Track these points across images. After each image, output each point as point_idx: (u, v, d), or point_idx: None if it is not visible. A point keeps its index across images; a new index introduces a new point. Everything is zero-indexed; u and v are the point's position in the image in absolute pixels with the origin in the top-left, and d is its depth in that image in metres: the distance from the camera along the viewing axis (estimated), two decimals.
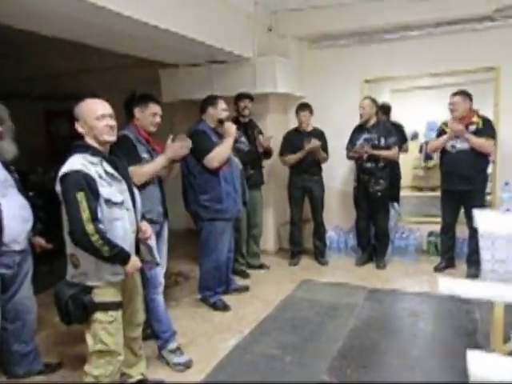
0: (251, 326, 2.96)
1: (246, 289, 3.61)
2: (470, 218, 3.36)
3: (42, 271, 3.99)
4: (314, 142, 3.90)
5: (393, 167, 4.07)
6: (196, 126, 3.17)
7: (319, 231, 4.25)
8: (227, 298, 3.38)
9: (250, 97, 3.81)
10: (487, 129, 3.51)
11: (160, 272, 2.56)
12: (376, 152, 3.82)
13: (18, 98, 5.37)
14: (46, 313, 3.23)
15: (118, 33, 2.96)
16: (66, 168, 1.78)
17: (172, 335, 2.55)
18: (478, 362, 2.11)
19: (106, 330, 1.87)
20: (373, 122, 3.91)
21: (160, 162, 2.51)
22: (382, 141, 3.86)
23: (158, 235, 2.63)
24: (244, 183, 3.42)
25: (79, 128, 1.89)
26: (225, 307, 3.25)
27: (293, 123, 4.32)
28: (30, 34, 2.88)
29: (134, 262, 1.92)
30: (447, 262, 3.86)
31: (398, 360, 2.48)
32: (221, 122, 3.17)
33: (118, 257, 1.83)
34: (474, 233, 3.35)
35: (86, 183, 1.76)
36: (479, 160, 3.52)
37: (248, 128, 3.85)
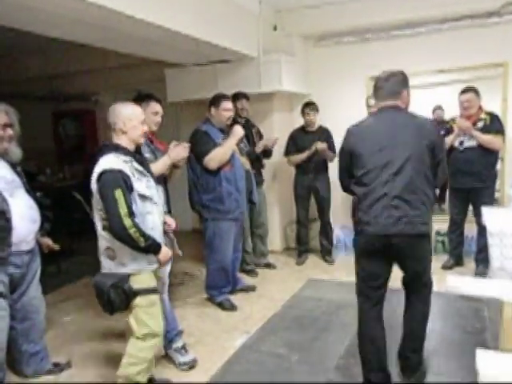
0: (258, 325, 2.96)
1: (252, 288, 3.61)
2: (479, 216, 3.33)
3: (50, 272, 4.07)
4: (321, 145, 3.89)
5: None
6: (200, 125, 3.18)
7: (326, 230, 4.24)
8: (234, 298, 3.38)
9: (246, 96, 3.76)
10: (495, 125, 3.46)
11: (165, 271, 2.57)
12: None
13: (24, 98, 5.43)
14: (55, 312, 3.27)
15: (124, 34, 2.98)
16: (102, 167, 1.88)
17: (177, 334, 2.56)
18: (486, 361, 2.09)
19: (148, 314, 1.99)
20: None
21: (165, 161, 2.52)
22: None
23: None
24: (252, 183, 3.41)
25: (120, 127, 1.98)
26: (231, 306, 3.26)
27: (298, 122, 4.30)
28: (35, 35, 2.90)
29: (166, 252, 2.04)
30: (455, 260, 3.83)
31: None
32: (234, 122, 3.19)
33: (152, 247, 1.95)
34: (482, 230, 3.32)
35: (123, 180, 1.87)
36: (488, 157, 3.48)
37: (246, 128, 3.83)
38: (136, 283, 1.94)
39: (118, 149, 1.96)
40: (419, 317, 2.21)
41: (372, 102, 3.85)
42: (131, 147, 2.03)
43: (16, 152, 2.25)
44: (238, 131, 3.14)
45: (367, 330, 2.17)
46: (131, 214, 1.86)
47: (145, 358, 2.02)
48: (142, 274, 1.97)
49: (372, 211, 1.99)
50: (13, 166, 2.25)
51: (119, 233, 1.86)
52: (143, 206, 1.96)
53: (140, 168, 2.01)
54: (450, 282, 3.33)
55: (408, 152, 1.96)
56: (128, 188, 1.88)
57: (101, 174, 1.86)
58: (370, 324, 2.17)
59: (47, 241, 2.50)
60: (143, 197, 1.96)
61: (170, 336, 2.54)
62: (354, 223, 2.21)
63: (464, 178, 3.51)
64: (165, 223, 2.16)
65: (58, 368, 2.51)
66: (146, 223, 1.96)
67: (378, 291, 2.17)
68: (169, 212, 2.65)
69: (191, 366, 2.48)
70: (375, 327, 2.16)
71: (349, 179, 2.16)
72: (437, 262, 3.91)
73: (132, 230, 1.84)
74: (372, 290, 2.16)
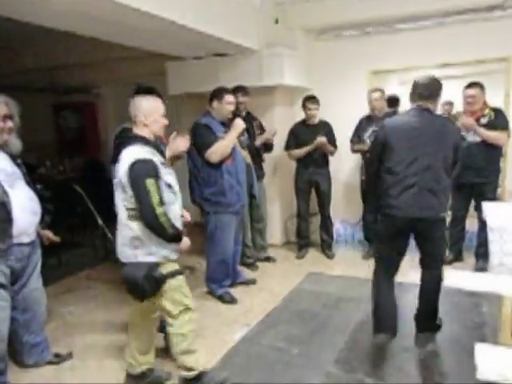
0: (258, 319, 2.97)
1: (252, 282, 3.62)
2: (480, 211, 3.32)
3: (51, 264, 4.08)
4: (320, 139, 3.87)
5: None
6: (201, 118, 3.17)
7: (326, 224, 4.24)
8: (234, 291, 3.39)
9: (244, 90, 3.72)
10: (500, 120, 3.43)
11: None
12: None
13: (24, 90, 5.40)
14: (56, 304, 3.29)
15: (125, 26, 2.96)
16: (133, 157, 1.92)
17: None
18: (485, 355, 2.11)
19: (181, 293, 2.11)
20: (381, 113, 3.87)
21: (166, 153, 2.51)
22: None
23: None
24: (252, 176, 3.41)
25: (141, 119, 2.04)
26: (232, 300, 3.27)
27: (299, 116, 4.29)
28: (35, 26, 2.89)
29: (186, 241, 2.12)
30: (455, 255, 3.83)
31: (404, 353, 2.48)
32: (234, 115, 3.17)
33: (177, 236, 2.03)
34: (484, 226, 3.32)
35: (154, 170, 1.92)
36: (491, 152, 3.46)
37: (247, 121, 3.82)
38: (164, 269, 2.02)
39: (143, 140, 2.01)
40: (433, 290, 2.59)
41: (375, 95, 3.84)
42: (153, 139, 2.11)
43: (16, 144, 2.24)
44: (239, 124, 3.13)
45: (382, 299, 2.59)
46: (162, 203, 1.92)
47: (189, 330, 2.13)
48: (168, 261, 2.04)
49: (402, 197, 2.36)
50: (13, 157, 2.24)
51: (151, 221, 1.91)
52: (168, 196, 2.01)
53: (162, 159, 2.07)
54: (449, 277, 3.34)
55: (436, 149, 2.34)
56: (158, 178, 1.94)
57: (133, 164, 1.89)
58: (384, 292, 2.59)
59: (48, 233, 2.50)
60: (169, 186, 2.02)
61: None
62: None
63: (467, 173, 3.48)
64: (182, 216, 2.20)
65: (58, 359, 2.53)
66: (171, 213, 2.00)
67: (394, 265, 2.59)
68: None
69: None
70: (390, 295, 2.59)
71: (377, 167, 2.50)
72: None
73: (163, 219, 1.91)
74: (389, 264, 2.59)
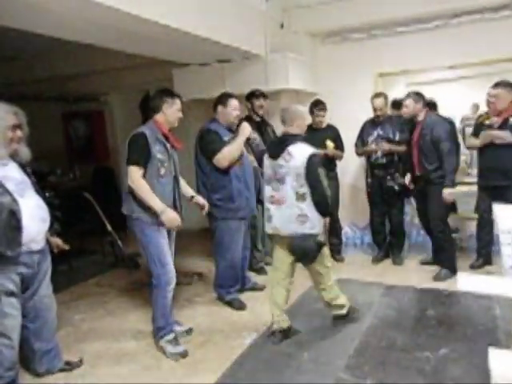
0: (267, 324, 2.95)
1: (261, 287, 3.60)
2: None
3: (62, 270, 4.11)
4: (330, 143, 3.88)
5: (408, 161, 3.99)
6: (207, 124, 3.18)
7: (335, 228, 4.22)
8: (243, 296, 3.38)
9: (265, 95, 3.78)
10: None
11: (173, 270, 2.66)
12: (394, 148, 3.76)
13: (35, 100, 5.49)
14: (66, 311, 3.31)
15: (133, 34, 3.00)
16: (308, 151, 2.43)
17: (172, 328, 2.68)
18: (499, 360, 2.06)
19: (327, 257, 2.69)
20: (383, 116, 3.85)
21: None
22: (397, 135, 3.80)
23: (170, 234, 2.70)
24: (260, 181, 3.41)
25: (298, 123, 2.58)
26: (241, 305, 3.26)
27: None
28: (45, 37, 2.93)
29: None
30: (484, 259, 3.72)
31: (416, 358, 2.44)
32: (240, 120, 3.20)
33: (329, 212, 2.72)
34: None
35: (321, 161, 2.48)
36: None
37: (261, 126, 3.84)
38: (319, 238, 2.53)
39: (302, 138, 2.54)
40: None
41: (377, 102, 3.80)
42: None
43: (25, 152, 2.27)
44: (246, 128, 3.14)
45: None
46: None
47: (333, 282, 2.76)
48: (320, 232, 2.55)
49: None
50: (22, 166, 2.27)
51: (322, 201, 2.42)
52: None
53: None
54: (460, 280, 3.30)
55: None
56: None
57: (310, 157, 2.39)
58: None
59: (57, 240, 2.52)
60: None
61: (167, 330, 2.65)
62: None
63: (494, 176, 3.43)
64: None
65: (69, 366, 2.54)
66: None
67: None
68: (180, 209, 2.71)
69: (183, 356, 2.57)
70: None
71: None
72: (465, 261, 3.83)
73: (329, 199, 2.44)
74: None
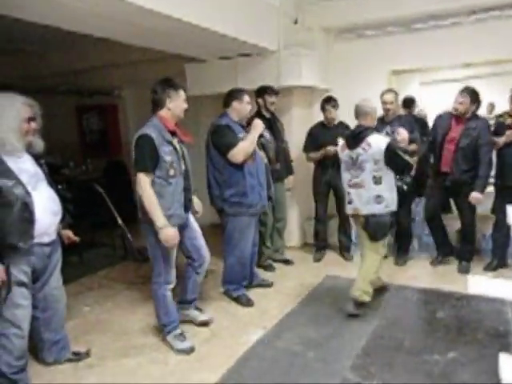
0: (274, 321, 2.95)
1: (269, 284, 3.60)
2: None
3: (72, 262, 4.17)
4: (330, 149, 3.84)
5: (419, 161, 3.93)
6: (220, 120, 3.17)
7: (344, 226, 4.19)
8: (251, 293, 3.38)
9: (277, 92, 3.76)
10: None
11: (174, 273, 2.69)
12: (404, 146, 3.70)
13: (50, 93, 5.55)
14: (76, 302, 3.35)
15: (147, 29, 3.01)
16: (384, 141, 2.82)
17: (177, 324, 2.70)
18: (510, 365, 2.02)
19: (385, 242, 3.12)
20: (394, 115, 3.79)
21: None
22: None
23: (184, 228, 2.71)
24: (269, 178, 3.40)
25: (372, 116, 3.00)
26: (248, 301, 3.26)
27: (318, 117, 4.25)
28: (60, 30, 2.95)
29: None
30: (499, 261, 3.67)
31: (424, 361, 2.41)
32: (251, 118, 3.21)
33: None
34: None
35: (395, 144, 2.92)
36: None
37: (272, 122, 3.82)
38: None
39: (376, 129, 2.97)
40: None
41: (387, 96, 3.74)
42: None
43: (39, 144, 2.29)
44: (259, 124, 3.14)
45: None
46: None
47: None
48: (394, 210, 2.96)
49: None
50: (36, 158, 2.29)
51: (402, 165, 2.84)
52: None
53: None
54: (471, 283, 3.24)
55: None
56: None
57: (389, 144, 2.78)
58: None
59: (68, 232, 2.53)
60: None
61: (172, 327, 2.67)
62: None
63: (509, 176, 3.38)
64: None
65: (77, 357, 2.57)
66: None
67: None
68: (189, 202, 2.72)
69: (189, 352, 2.59)
70: None
71: None
72: (479, 262, 3.76)
73: (409, 164, 2.86)
74: None
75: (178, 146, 2.58)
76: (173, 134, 2.56)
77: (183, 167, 2.62)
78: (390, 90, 3.79)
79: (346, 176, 3.02)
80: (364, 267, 3.02)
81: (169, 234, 2.44)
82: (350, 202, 3.01)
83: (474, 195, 3.38)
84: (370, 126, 2.92)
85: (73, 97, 6.06)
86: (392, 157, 2.81)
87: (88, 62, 5.63)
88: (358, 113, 2.95)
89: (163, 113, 2.54)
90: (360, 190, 2.89)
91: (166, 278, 2.62)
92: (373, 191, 2.84)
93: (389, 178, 2.89)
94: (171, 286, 2.67)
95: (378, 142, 2.83)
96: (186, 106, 2.61)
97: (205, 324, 2.92)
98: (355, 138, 2.91)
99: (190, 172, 2.71)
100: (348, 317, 2.92)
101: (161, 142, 2.45)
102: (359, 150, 2.86)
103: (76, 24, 2.94)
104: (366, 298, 2.94)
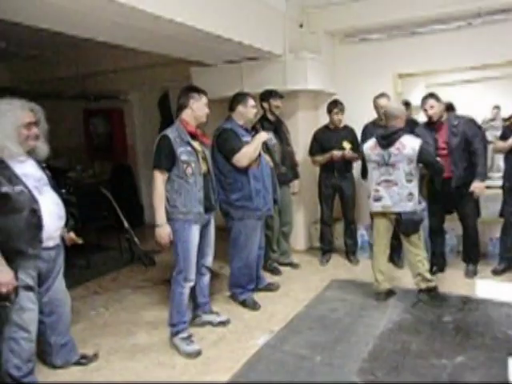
0: (281, 325, 2.95)
1: (276, 287, 3.60)
2: None
3: (79, 266, 4.19)
4: (347, 145, 3.85)
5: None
6: (225, 124, 3.19)
7: (350, 230, 4.18)
8: (257, 296, 3.38)
9: (281, 96, 3.77)
10: None
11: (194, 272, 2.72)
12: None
13: (57, 97, 5.60)
14: (83, 305, 3.37)
15: (154, 34, 3.03)
16: (417, 141, 2.97)
17: (186, 326, 2.72)
18: None
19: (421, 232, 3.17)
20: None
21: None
22: None
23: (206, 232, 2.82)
24: (275, 181, 3.41)
25: (403, 117, 3.11)
26: (254, 305, 3.26)
27: (323, 120, 4.25)
28: (66, 35, 2.98)
29: None
30: (506, 265, 3.64)
31: (431, 365, 2.40)
32: (264, 119, 3.33)
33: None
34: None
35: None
36: None
37: (277, 126, 3.83)
38: None
39: (407, 130, 3.09)
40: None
41: (381, 101, 3.72)
42: None
43: (43, 149, 2.28)
44: (263, 137, 3.19)
45: None
46: None
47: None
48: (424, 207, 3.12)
49: None
50: (39, 163, 2.29)
51: (440, 167, 3.08)
52: None
53: None
54: (479, 286, 3.22)
55: None
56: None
57: (422, 145, 2.95)
58: None
59: (70, 234, 2.53)
60: None
61: (181, 327, 2.69)
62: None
63: None
64: None
65: (85, 360, 2.58)
66: None
67: None
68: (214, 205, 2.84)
69: (195, 356, 2.59)
70: None
71: None
72: (487, 266, 3.73)
73: (441, 165, 3.09)
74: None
75: (198, 148, 2.67)
76: (193, 136, 2.65)
77: (204, 168, 2.70)
78: (383, 95, 3.77)
79: (375, 173, 3.10)
80: (417, 255, 3.12)
81: (162, 232, 2.59)
82: (377, 200, 3.08)
83: (476, 184, 3.32)
84: (401, 127, 3.03)
85: (80, 101, 6.11)
86: (427, 158, 2.99)
87: (95, 66, 5.68)
88: (389, 115, 3.05)
89: (185, 115, 2.69)
90: (392, 188, 3.00)
91: (185, 275, 2.68)
92: (405, 189, 2.98)
93: (417, 177, 3.02)
94: (190, 284, 2.71)
95: (411, 142, 2.96)
96: (207, 110, 2.74)
97: (223, 324, 2.98)
98: (388, 138, 3.02)
99: (211, 173, 2.81)
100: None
101: (178, 142, 2.58)
102: (392, 149, 2.98)
103: (83, 30, 2.96)
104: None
